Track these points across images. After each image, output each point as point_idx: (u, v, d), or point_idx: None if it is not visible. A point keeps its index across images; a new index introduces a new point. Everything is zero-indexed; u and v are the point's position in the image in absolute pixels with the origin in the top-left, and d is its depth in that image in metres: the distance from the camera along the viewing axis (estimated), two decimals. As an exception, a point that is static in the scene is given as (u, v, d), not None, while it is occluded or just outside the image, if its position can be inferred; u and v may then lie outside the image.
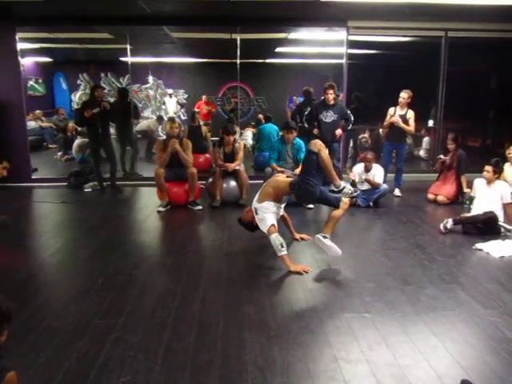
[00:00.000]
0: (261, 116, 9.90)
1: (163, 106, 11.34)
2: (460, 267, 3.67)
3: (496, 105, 8.33)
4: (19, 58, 6.76)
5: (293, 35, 8.15)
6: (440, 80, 7.33)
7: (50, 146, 9.87)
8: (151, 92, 11.65)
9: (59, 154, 9.07)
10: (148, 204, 5.78)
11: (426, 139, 8.75)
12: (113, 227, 4.87)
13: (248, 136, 9.22)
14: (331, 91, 5.80)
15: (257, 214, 3.71)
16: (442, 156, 5.97)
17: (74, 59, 11.33)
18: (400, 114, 6.01)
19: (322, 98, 5.99)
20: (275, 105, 11.66)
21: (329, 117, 5.88)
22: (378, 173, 5.58)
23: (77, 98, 11.42)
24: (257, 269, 3.61)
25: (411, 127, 6.01)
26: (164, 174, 5.37)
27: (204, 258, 3.93)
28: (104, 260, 3.80)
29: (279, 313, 2.87)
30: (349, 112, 6.06)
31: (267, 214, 3.64)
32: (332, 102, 5.86)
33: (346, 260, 3.83)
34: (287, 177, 3.93)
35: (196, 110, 10.16)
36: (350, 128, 6.19)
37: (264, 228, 3.62)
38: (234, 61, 7.41)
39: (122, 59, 8.01)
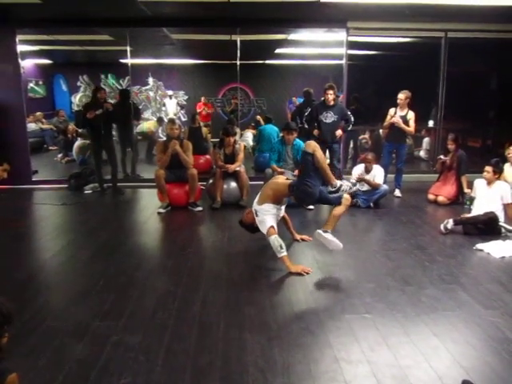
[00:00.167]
0: (259, 117, 9.92)
1: (163, 108, 11.37)
2: (461, 268, 3.66)
3: (496, 105, 8.33)
4: (19, 60, 6.76)
5: (293, 36, 8.15)
6: (440, 80, 7.33)
7: (51, 147, 9.89)
8: (151, 93, 11.68)
9: (59, 155, 9.07)
10: (148, 205, 5.78)
11: (426, 140, 8.75)
12: (113, 229, 4.87)
13: (248, 137, 9.23)
14: (331, 92, 5.80)
15: (257, 215, 3.71)
16: (442, 156, 5.97)
17: (74, 61, 11.35)
18: (400, 114, 6.01)
19: (322, 98, 5.99)
20: (275, 106, 11.68)
21: (329, 117, 5.88)
22: (378, 173, 5.57)
23: (77, 99, 11.45)
24: (257, 270, 3.61)
25: (411, 128, 6.02)
26: (164, 176, 5.38)
27: (204, 259, 3.93)
28: (104, 261, 3.80)
29: (280, 314, 2.87)
30: (349, 113, 6.07)
31: (267, 216, 3.64)
32: (332, 103, 5.86)
33: (347, 261, 3.84)
34: (286, 179, 3.93)
35: (198, 110, 10.20)
36: (350, 129, 6.18)
37: (264, 230, 3.63)
38: (233, 62, 7.42)
39: (122, 61, 8.02)
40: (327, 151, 6.04)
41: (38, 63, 10.87)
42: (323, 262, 3.77)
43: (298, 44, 9.06)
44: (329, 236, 3.58)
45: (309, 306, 3.00)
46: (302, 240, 4.27)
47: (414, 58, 8.40)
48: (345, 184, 3.63)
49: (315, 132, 5.97)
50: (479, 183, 4.75)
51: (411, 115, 6.00)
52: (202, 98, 10.87)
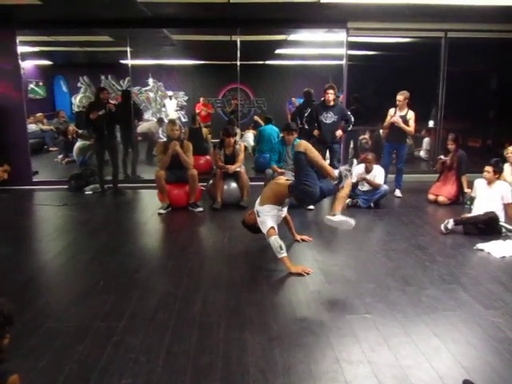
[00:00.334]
0: (256, 118, 9.91)
1: (163, 109, 11.38)
2: (461, 268, 3.66)
3: (496, 105, 8.33)
4: (20, 62, 6.77)
5: (293, 37, 8.16)
6: (440, 80, 7.33)
7: (51, 148, 9.90)
8: (151, 94, 11.68)
9: (60, 156, 9.08)
10: (149, 206, 5.78)
11: (426, 140, 8.75)
12: (114, 230, 4.87)
13: (249, 137, 9.23)
14: (331, 92, 5.80)
15: (258, 216, 3.71)
16: (442, 156, 5.97)
17: (75, 62, 11.36)
18: (400, 114, 6.01)
19: (322, 99, 6.00)
20: (275, 106, 11.68)
21: (329, 118, 5.88)
22: (378, 174, 5.57)
23: (77, 100, 11.46)
24: (258, 270, 3.61)
25: (411, 128, 6.02)
26: (165, 176, 5.38)
27: (205, 259, 3.93)
28: (105, 262, 3.81)
29: (280, 314, 2.87)
30: (349, 113, 6.07)
31: (267, 217, 3.64)
32: (332, 103, 5.87)
33: (347, 261, 3.84)
34: (287, 179, 3.93)
35: (197, 111, 10.19)
36: (350, 129, 6.19)
37: (264, 230, 3.63)
38: (234, 63, 7.42)
39: (123, 62, 8.03)
40: (327, 151, 6.05)
41: (39, 64, 10.89)
42: (323, 263, 3.77)
43: (298, 44, 9.06)
44: (338, 217, 3.49)
45: (309, 306, 3.00)
46: (302, 240, 4.27)
47: (413, 58, 8.40)
48: (342, 169, 3.62)
49: (315, 132, 5.97)
50: (479, 183, 4.75)
51: (411, 115, 6.00)
52: (201, 99, 10.87)
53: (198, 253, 4.11)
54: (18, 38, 6.69)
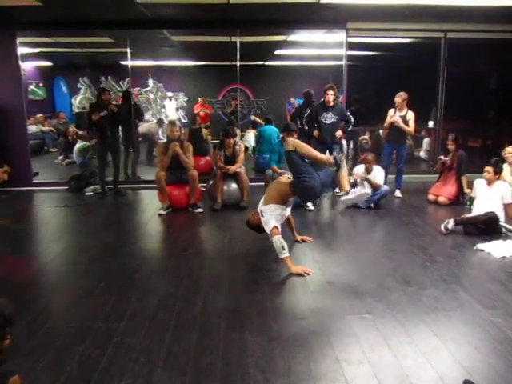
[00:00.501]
0: (253, 117, 9.90)
1: (163, 110, 11.38)
2: (461, 268, 3.66)
3: (496, 105, 8.33)
4: (20, 63, 6.78)
5: (292, 37, 8.16)
6: (440, 81, 7.34)
7: (51, 150, 9.89)
8: (151, 95, 11.68)
9: (60, 157, 9.08)
10: (149, 207, 5.78)
11: (426, 140, 8.75)
12: (114, 231, 4.88)
13: (250, 138, 9.23)
14: (331, 92, 5.81)
15: (262, 216, 3.71)
16: (442, 157, 5.97)
17: (75, 63, 11.35)
18: (400, 115, 6.02)
19: (322, 99, 6.00)
20: (275, 107, 11.68)
21: (329, 118, 5.88)
22: (378, 174, 5.57)
23: (77, 101, 11.45)
24: (258, 271, 3.61)
25: (411, 128, 6.02)
26: (165, 177, 5.38)
27: (205, 260, 3.93)
28: (105, 263, 3.81)
29: (281, 315, 2.87)
30: (349, 113, 6.08)
31: (271, 216, 3.64)
32: (332, 104, 5.87)
33: (347, 261, 3.84)
34: (288, 178, 3.93)
35: (196, 111, 10.20)
36: (350, 129, 6.20)
37: (268, 230, 3.63)
38: (233, 63, 7.43)
39: (122, 63, 8.03)
40: (327, 152, 6.04)
41: (39, 65, 10.89)
42: (324, 263, 3.77)
43: (297, 45, 9.07)
44: (351, 194, 3.52)
45: (309, 306, 3.00)
46: (303, 241, 4.28)
47: (413, 58, 8.40)
48: (335, 155, 3.69)
49: (315, 133, 5.97)
50: (479, 183, 4.75)
51: (411, 115, 6.01)
52: (200, 99, 10.88)
53: (198, 253, 4.12)
54: (18, 39, 6.70)
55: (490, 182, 4.61)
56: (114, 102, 6.67)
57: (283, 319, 2.80)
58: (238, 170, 5.63)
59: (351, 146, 8.00)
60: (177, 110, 11.48)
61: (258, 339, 2.55)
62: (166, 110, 11.15)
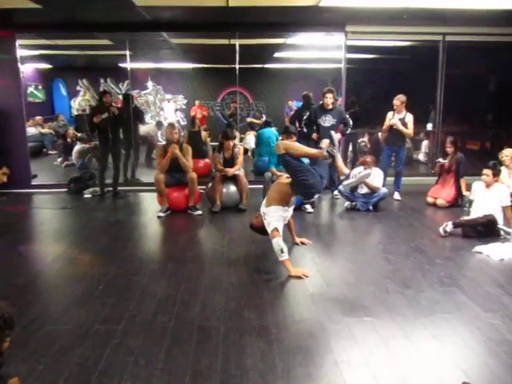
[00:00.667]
0: (249, 119, 9.91)
1: (162, 112, 11.40)
2: (460, 270, 3.67)
3: (494, 108, 8.36)
4: (19, 65, 6.78)
5: (291, 40, 8.18)
6: (438, 84, 7.36)
7: (50, 152, 9.90)
8: (150, 97, 11.70)
9: (59, 160, 9.08)
10: (148, 209, 5.78)
11: (424, 142, 8.77)
12: (113, 233, 4.87)
13: (251, 140, 9.24)
14: (330, 95, 5.82)
15: (265, 218, 3.72)
16: (440, 159, 5.98)
17: (74, 65, 11.37)
18: (399, 117, 6.03)
19: (321, 102, 6.01)
20: (274, 110, 11.70)
21: (327, 121, 5.89)
22: (377, 176, 5.58)
23: (76, 104, 11.47)
24: (257, 273, 3.61)
25: (410, 130, 6.04)
26: (164, 179, 5.38)
27: (204, 263, 3.92)
28: (104, 265, 3.80)
29: (280, 317, 2.87)
30: (347, 116, 6.09)
31: (273, 218, 3.65)
32: (330, 107, 5.88)
33: (346, 264, 3.84)
34: (287, 177, 3.92)
35: (192, 114, 10.21)
36: (348, 132, 6.21)
37: (269, 231, 3.64)
38: (232, 66, 7.44)
39: (122, 65, 8.05)
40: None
41: (38, 67, 10.90)
42: (323, 265, 3.77)
43: (296, 48, 9.07)
44: (352, 178, 3.48)
45: (308, 309, 3.00)
46: (302, 243, 4.28)
47: (412, 61, 8.43)
48: (327, 147, 3.67)
49: (314, 135, 5.98)
50: (478, 186, 4.76)
51: (409, 118, 6.03)
52: (197, 102, 10.91)
53: (197, 256, 4.11)
54: (18, 42, 6.70)
55: (488, 185, 4.62)
56: (114, 105, 6.68)
57: (282, 322, 2.80)
58: (237, 172, 5.64)
59: (350, 148, 8.01)
60: (175, 111, 11.50)
61: (257, 341, 2.54)
62: (165, 112, 11.16)
